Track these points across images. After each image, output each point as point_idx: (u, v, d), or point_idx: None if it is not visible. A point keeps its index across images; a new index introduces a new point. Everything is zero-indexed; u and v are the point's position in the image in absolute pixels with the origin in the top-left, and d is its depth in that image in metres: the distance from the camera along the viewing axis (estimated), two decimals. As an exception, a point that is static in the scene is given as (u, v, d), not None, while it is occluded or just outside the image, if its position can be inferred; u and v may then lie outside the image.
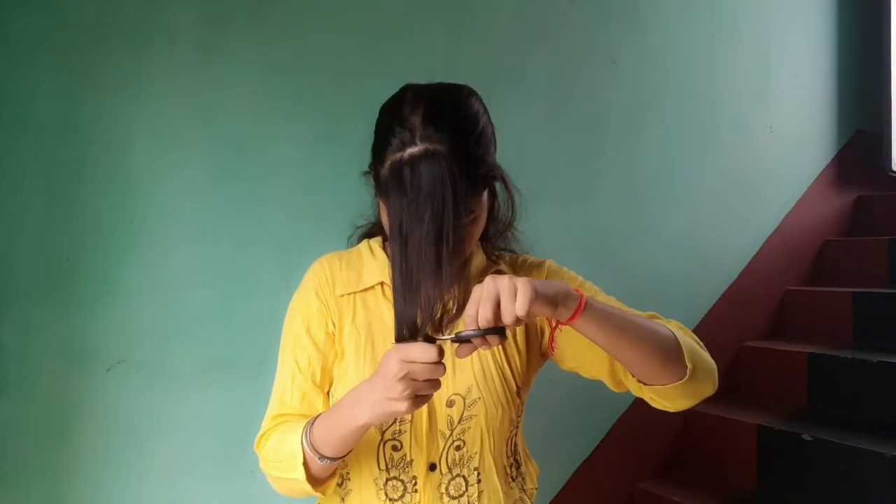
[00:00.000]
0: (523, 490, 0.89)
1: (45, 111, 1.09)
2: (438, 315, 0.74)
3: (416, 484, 0.81)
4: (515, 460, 0.89)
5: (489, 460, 0.84)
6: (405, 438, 0.81)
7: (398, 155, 0.71)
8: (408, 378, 0.66)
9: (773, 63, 2.48)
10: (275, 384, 0.88)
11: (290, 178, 1.33)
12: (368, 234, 0.93)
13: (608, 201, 1.92)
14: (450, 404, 0.82)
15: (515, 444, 0.89)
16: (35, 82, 1.08)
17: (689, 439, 2.09)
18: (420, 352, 0.65)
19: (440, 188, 0.69)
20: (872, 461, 1.65)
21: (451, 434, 0.82)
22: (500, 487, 0.85)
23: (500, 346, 0.85)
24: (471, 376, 0.83)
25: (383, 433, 0.82)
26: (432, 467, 0.82)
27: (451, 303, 0.77)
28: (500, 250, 0.90)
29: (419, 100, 0.74)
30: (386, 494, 0.81)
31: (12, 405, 1.06)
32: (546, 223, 1.74)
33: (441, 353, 0.66)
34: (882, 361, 1.90)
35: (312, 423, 0.77)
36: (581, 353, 0.86)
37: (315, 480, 0.79)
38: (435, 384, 0.68)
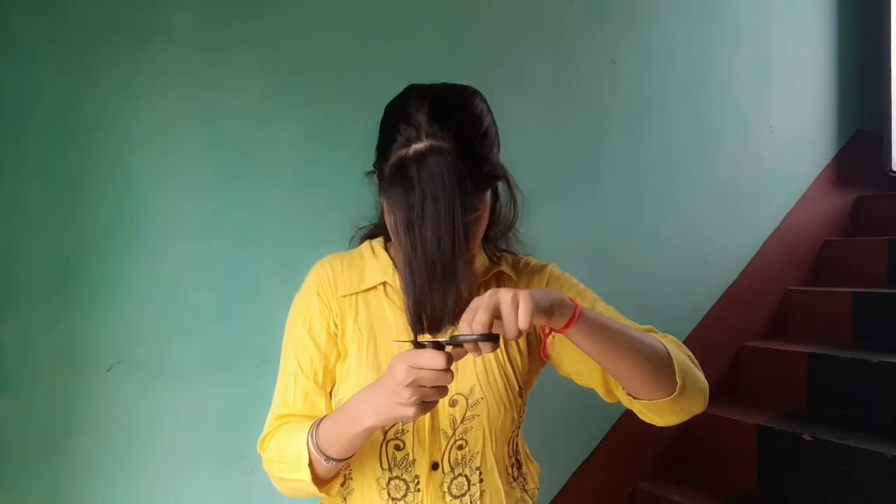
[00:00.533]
0: (525, 490, 0.90)
1: (45, 111, 1.09)
2: (453, 308, 0.74)
3: (418, 483, 0.81)
4: (517, 460, 0.89)
5: (491, 460, 0.84)
6: (408, 438, 0.82)
7: (403, 151, 0.72)
8: (415, 384, 0.66)
9: (773, 63, 2.48)
10: (277, 385, 0.88)
11: (290, 177, 1.33)
12: (370, 236, 0.93)
13: (608, 201, 1.92)
14: (452, 404, 0.83)
15: (517, 445, 0.90)
16: (35, 82, 1.08)
17: (689, 439, 2.09)
18: (428, 359, 0.65)
19: (446, 184, 0.70)
20: (872, 461, 1.65)
21: (454, 433, 0.82)
22: (501, 487, 0.85)
23: (502, 348, 0.85)
24: (473, 376, 0.83)
25: (386, 433, 0.82)
26: (434, 466, 0.82)
27: (461, 298, 0.76)
28: (502, 251, 0.91)
29: (424, 99, 0.74)
30: (388, 494, 0.81)
31: (12, 405, 1.06)
32: (546, 223, 1.74)
33: (450, 360, 0.66)
34: (882, 361, 1.90)
35: (318, 425, 0.78)
36: (576, 361, 0.86)
37: (320, 481, 0.79)
38: (442, 391, 0.69)
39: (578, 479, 1.81)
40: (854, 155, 2.84)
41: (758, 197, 2.40)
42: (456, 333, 0.69)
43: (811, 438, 1.78)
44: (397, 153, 0.72)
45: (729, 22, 2.31)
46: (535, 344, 0.90)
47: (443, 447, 0.82)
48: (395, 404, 0.67)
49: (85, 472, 1.12)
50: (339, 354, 0.86)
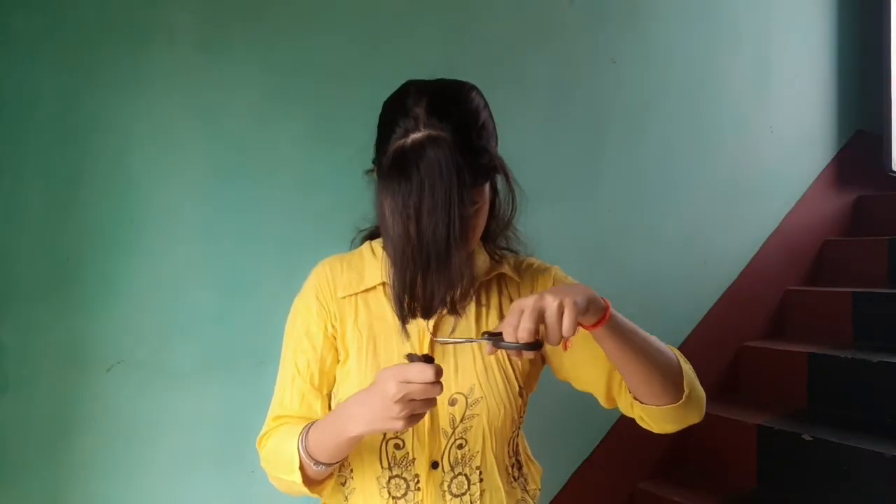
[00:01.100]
0: (525, 490, 0.90)
1: (45, 111, 1.09)
2: (443, 298, 0.74)
3: (418, 482, 0.82)
4: (517, 461, 0.89)
5: (491, 459, 0.84)
6: (407, 437, 0.82)
7: (401, 141, 0.72)
8: (405, 399, 0.67)
9: (773, 63, 2.48)
10: (276, 385, 0.89)
11: (289, 177, 1.33)
12: (371, 236, 0.93)
13: (608, 201, 1.92)
14: (452, 403, 0.83)
15: (517, 445, 0.90)
16: (35, 82, 1.08)
17: (689, 439, 2.09)
18: (418, 373, 0.66)
19: (445, 173, 0.70)
20: (872, 461, 1.65)
21: (454, 432, 0.83)
22: (502, 487, 0.85)
23: None
24: (473, 375, 0.83)
25: (385, 433, 0.82)
26: (434, 465, 0.82)
27: (457, 292, 0.76)
28: (503, 250, 0.90)
29: (422, 93, 0.74)
30: (389, 493, 0.82)
31: (12, 405, 1.06)
32: (546, 223, 1.74)
33: (438, 373, 0.67)
34: (882, 361, 1.90)
35: (308, 430, 0.79)
36: (579, 365, 0.88)
37: (311, 482, 0.81)
38: (431, 403, 0.69)
39: (578, 479, 1.81)
40: (854, 155, 2.83)
41: (758, 197, 2.40)
42: (492, 330, 0.70)
43: (811, 438, 1.78)
44: (395, 144, 0.72)
45: (729, 22, 2.31)
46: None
47: (442, 446, 0.82)
48: (385, 418, 0.68)
49: (85, 472, 1.12)
50: (338, 356, 0.86)
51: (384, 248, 0.84)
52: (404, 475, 0.82)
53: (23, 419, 1.07)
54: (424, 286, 0.73)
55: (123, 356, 1.15)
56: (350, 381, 0.84)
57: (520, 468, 0.90)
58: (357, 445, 0.79)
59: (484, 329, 0.86)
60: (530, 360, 0.89)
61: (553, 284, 0.91)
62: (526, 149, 1.71)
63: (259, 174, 1.29)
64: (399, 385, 0.66)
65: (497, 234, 0.88)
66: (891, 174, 2.88)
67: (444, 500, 0.82)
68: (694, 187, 2.17)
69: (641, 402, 0.82)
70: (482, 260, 0.88)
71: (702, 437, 2.07)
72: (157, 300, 1.18)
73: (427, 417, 0.81)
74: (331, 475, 0.84)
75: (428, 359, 0.69)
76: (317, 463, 0.77)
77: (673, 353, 0.82)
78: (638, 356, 0.77)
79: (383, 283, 0.86)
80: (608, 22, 1.94)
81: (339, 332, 0.86)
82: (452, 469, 0.83)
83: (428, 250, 0.71)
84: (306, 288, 0.90)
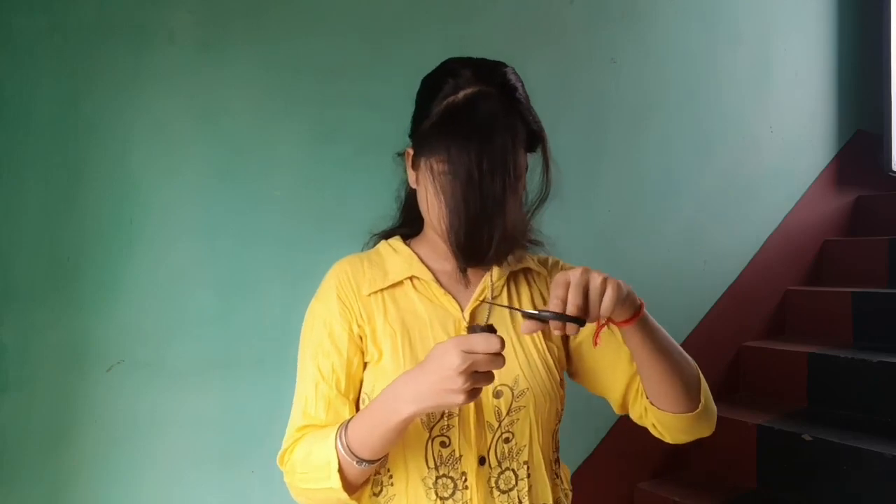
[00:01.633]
0: (562, 488, 0.88)
1: (45, 111, 1.09)
2: (498, 245, 0.75)
3: (466, 480, 0.78)
4: (557, 456, 0.88)
5: (538, 453, 0.82)
6: (453, 433, 0.78)
7: (452, 98, 0.74)
8: (470, 370, 0.63)
9: (773, 63, 2.48)
10: (296, 395, 0.84)
11: (290, 177, 1.32)
12: (386, 237, 0.91)
13: (608, 201, 1.92)
14: (497, 395, 0.80)
15: (558, 440, 0.88)
16: (35, 83, 1.08)
17: (689, 439, 2.09)
18: (483, 342, 0.64)
19: (501, 123, 0.73)
20: (872, 461, 1.65)
21: (500, 426, 0.80)
22: (548, 482, 0.83)
23: (539, 337, 0.85)
24: (516, 366, 0.81)
25: (431, 429, 0.78)
26: (482, 461, 0.79)
27: (507, 236, 0.77)
28: (530, 242, 0.90)
29: (465, 62, 0.78)
30: (436, 493, 0.77)
31: (12, 405, 1.06)
32: (546, 223, 1.74)
33: (502, 343, 0.64)
34: (882, 361, 1.90)
35: (346, 426, 0.74)
36: (600, 368, 0.88)
37: (351, 487, 0.75)
38: (490, 377, 0.66)
39: (578, 479, 1.81)
40: (854, 155, 2.84)
41: (758, 197, 2.40)
42: (542, 309, 0.68)
43: (811, 438, 1.78)
44: (445, 101, 0.74)
45: (729, 22, 2.31)
46: (565, 337, 0.90)
47: (489, 441, 0.79)
48: (445, 391, 0.65)
49: (85, 472, 1.12)
50: (364, 358, 0.82)
51: (430, 213, 0.80)
52: (451, 474, 0.78)
53: (23, 419, 1.07)
54: (483, 231, 0.73)
55: (123, 356, 1.15)
56: (388, 379, 0.76)
57: (559, 463, 0.88)
58: (399, 447, 0.77)
59: (520, 321, 0.84)
60: (564, 352, 0.89)
61: None
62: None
63: (259, 174, 1.29)
64: (464, 356, 0.63)
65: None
66: (891, 174, 2.88)
67: (493, 497, 0.79)
68: (694, 187, 2.17)
69: (658, 408, 0.82)
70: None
71: (702, 437, 2.07)
72: (157, 300, 1.18)
73: (472, 411, 0.79)
74: (368, 480, 0.79)
75: (491, 329, 0.66)
76: (360, 461, 0.72)
77: (692, 361, 0.83)
78: (663, 358, 0.77)
79: (411, 278, 0.84)
80: (608, 22, 1.94)
81: (367, 332, 0.82)
82: (500, 464, 0.79)
83: (487, 196, 0.72)
84: (325, 289, 0.85)
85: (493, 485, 0.79)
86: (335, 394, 0.80)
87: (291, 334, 0.92)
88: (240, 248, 1.27)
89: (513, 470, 0.80)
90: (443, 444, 0.78)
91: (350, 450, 0.72)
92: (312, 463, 0.75)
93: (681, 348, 0.80)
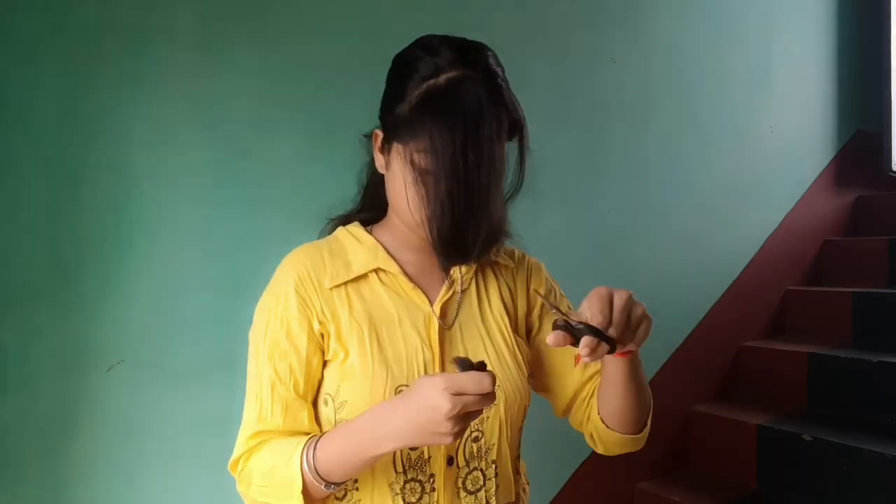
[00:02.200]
0: (521, 484, 0.87)
1: (45, 111, 1.09)
2: (483, 239, 0.71)
3: (433, 482, 0.75)
4: (519, 453, 0.87)
5: (505, 451, 0.80)
6: None
7: (434, 81, 0.68)
8: (460, 414, 0.60)
9: (774, 63, 2.48)
10: (248, 397, 0.78)
11: (289, 178, 1.32)
12: (345, 222, 0.87)
13: (608, 201, 1.92)
14: None
15: (521, 436, 0.87)
16: (35, 82, 1.08)
17: (689, 439, 2.09)
18: (472, 383, 0.60)
19: (484, 111, 0.67)
20: (872, 461, 1.65)
21: (470, 425, 0.76)
22: (512, 479, 0.82)
23: (509, 333, 0.83)
24: (487, 363, 0.80)
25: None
26: (450, 461, 0.76)
27: (492, 229, 0.74)
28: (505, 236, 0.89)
29: (444, 39, 0.72)
30: (403, 499, 0.74)
31: (13, 405, 1.06)
32: (546, 223, 1.74)
33: (494, 379, 0.61)
34: (882, 361, 1.90)
35: (314, 446, 0.70)
36: (550, 371, 0.88)
37: None
38: (479, 413, 0.64)
39: (578, 479, 1.81)
40: (854, 155, 2.84)
41: (758, 197, 2.40)
42: (567, 317, 0.62)
43: (811, 438, 1.78)
44: (425, 84, 0.68)
45: (729, 22, 2.31)
46: (531, 332, 0.89)
47: (458, 440, 0.75)
48: (432, 434, 0.62)
49: (85, 472, 1.12)
50: (324, 357, 0.77)
51: (403, 203, 0.74)
52: (419, 477, 0.75)
53: (23, 419, 1.07)
54: (469, 228, 0.69)
55: (123, 356, 1.15)
56: (354, 380, 0.74)
57: (519, 458, 0.87)
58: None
59: (488, 313, 0.83)
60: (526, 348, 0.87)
61: (545, 283, 0.90)
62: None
63: (259, 174, 1.29)
64: (454, 399, 0.59)
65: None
66: (891, 174, 2.88)
67: (459, 498, 0.76)
68: (694, 187, 2.17)
69: (607, 427, 0.83)
70: None
71: (702, 437, 2.07)
72: (157, 300, 1.18)
73: None
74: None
75: (482, 365, 0.62)
76: (329, 484, 0.69)
77: (648, 390, 0.82)
78: (636, 392, 0.77)
79: (376, 270, 0.79)
80: (608, 22, 1.94)
81: (331, 330, 0.76)
82: (468, 464, 0.77)
83: (472, 190, 0.68)
84: (279, 281, 0.79)
85: (461, 485, 0.77)
86: (293, 397, 0.75)
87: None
88: (240, 248, 1.27)
89: (481, 470, 0.78)
90: (411, 447, 0.74)
91: (317, 472, 0.69)
92: (273, 479, 0.72)
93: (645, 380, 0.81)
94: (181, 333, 1.21)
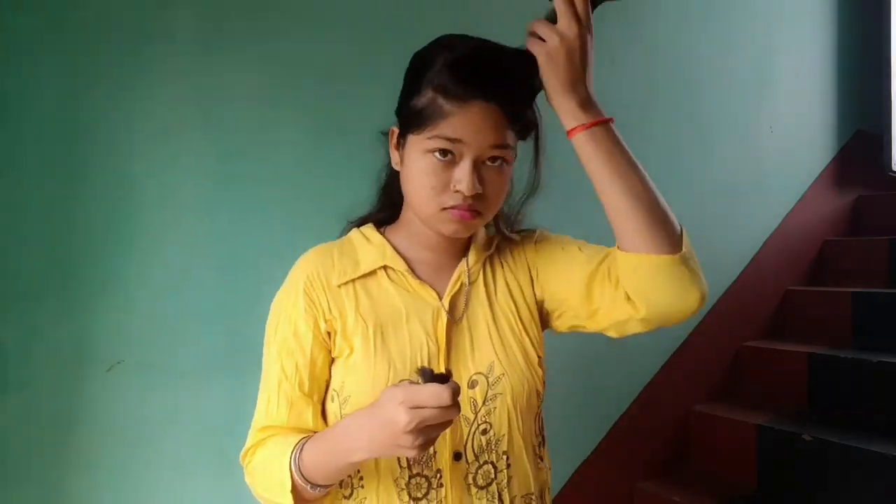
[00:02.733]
0: (546, 470, 0.86)
1: (45, 112, 1.09)
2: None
3: (440, 477, 0.75)
4: (543, 437, 0.85)
5: (518, 441, 0.79)
6: None
7: (452, 57, 0.71)
8: (418, 427, 0.59)
9: (774, 63, 2.48)
10: (260, 392, 0.81)
11: (290, 177, 1.32)
12: (360, 224, 0.89)
13: (608, 201, 1.91)
14: (472, 385, 0.77)
15: (542, 420, 0.85)
16: (35, 83, 1.08)
17: (689, 439, 2.09)
18: (431, 397, 0.59)
19: (505, 86, 0.71)
20: (872, 461, 1.65)
21: (476, 417, 0.76)
22: (529, 470, 0.80)
23: (516, 319, 0.83)
24: (491, 352, 0.79)
25: None
26: (457, 457, 0.75)
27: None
28: (519, 233, 0.89)
29: (464, 36, 0.76)
30: (409, 495, 0.74)
31: (12, 405, 1.06)
32: (546, 223, 1.74)
33: (456, 393, 0.60)
34: (882, 361, 1.90)
35: (302, 448, 0.72)
36: (563, 284, 0.83)
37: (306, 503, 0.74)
38: (447, 425, 0.62)
39: (578, 479, 1.81)
40: (854, 155, 2.84)
41: (758, 197, 2.40)
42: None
43: (811, 438, 1.78)
44: (445, 62, 0.71)
45: (729, 22, 2.31)
46: (543, 312, 0.88)
47: (465, 434, 0.76)
48: (394, 446, 0.62)
49: (85, 472, 1.12)
50: (330, 356, 0.79)
51: (412, 198, 0.78)
52: (425, 472, 0.74)
53: (23, 419, 1.07)
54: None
55: (123, 356, 1.15)
56: (358, 375, 0.76)
57: (544, 444, 0.85)
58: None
59: (496, 303, 0.83)
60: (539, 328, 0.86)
61: (536, 241, 0.90)
62: (526, 148, 1.70)
63: (260, 174, 1.29)
64: (410, 412, 0.59)
65: (507, 218, 0.87)
66: (891, 174, 2.88)
67: (470, 494, 0.75)
68: (694, 187, 2.17)
69: (626, 252, 0.74)
70: (482, 235, 0.87)
71: (702, 437, 2.07)
72: (157, 300, 1.18)
73: None
74: (328, 493, 0.76)
75: (443, 378, 0.61)
76: (313, 486, 0.71)
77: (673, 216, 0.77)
78: (630, 179, 0.74)
79: (384, 267, 0.81)
80: (608, 21, 1.93)
81: (337, 327, 0.77)
82: (477, 458, 0.76)
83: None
84: (291, 282, 0.82)
85: (471, 481, 0.76)
86: (298, 394, 0.77)
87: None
88: (240, 248, 1.27)
89: (492, 462, 0.77)
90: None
91: (303, 474, 0.70)
92: (269, 476, 0.74)
93: (657, 192, 0.77)
94: (181, 333, 1.21)
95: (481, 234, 0.87)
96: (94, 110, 1.13)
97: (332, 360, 0.80)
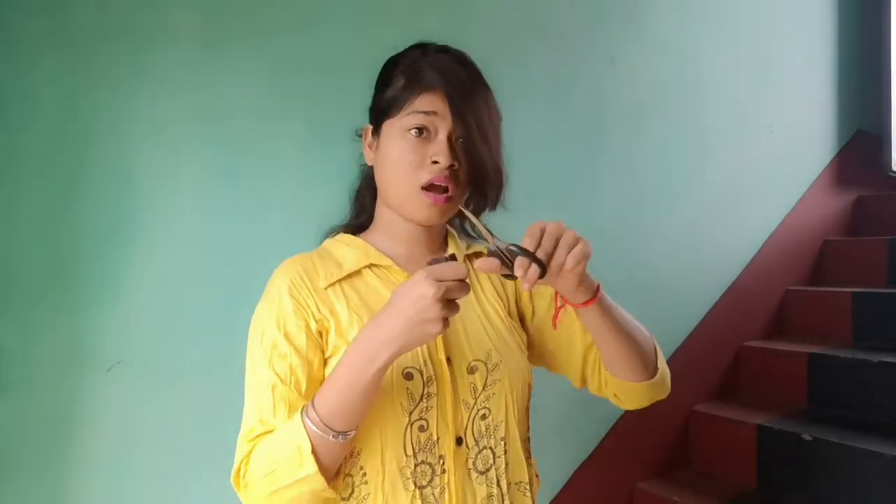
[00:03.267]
0: (534, 471, 0.87)
1: (45, 111, 1.09)
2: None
3: (443, 463, 0.76)
4: (528, 436, 0.87)
5: (514, 430, 0.81)
6: (431, 415, 0.76)
7: (423, 51, 0.79)
8: (445, 297, 0.64)
9: (774, 63, 2.48)
10: (246, 407, 0.78)
11: (290, 177, 1.32)
12: (334, 233, 0.91)
13: (608, 201, 1.92)
14: (471, 371, 0.79)
15: (529, 418, 0.88)
16: (35, 83, 1.08)
17: (689, 439, 2.09)
18: (451, 269, 0.64)
19: (479, 84, 0.79)
20: (872, 461, 1.65)
21: (476, 402, 0.79)
22: (523, 460, 0.82)
23: (505, 314, 0.86)
24: (487, 341, 0.82)
25: (410, 414, 0.75)
26: (458, 441, 0.77)
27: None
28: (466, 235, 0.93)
29: (430, 43, 0.83)
30: (414, 483, 0.75)
31: (12, 405, 1.06)
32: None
33: (467, 269, 0.66)
34: (882, 361, 1.90)
35: (312, 404, 0.70)
36: (556, 348, 0.90)
37: (328, 472, 0.70)
38: (457, 306, 0.66)
39: (578, 479, 1.81)
40: (854, 155, 2.84)
41: (758, 197, 2.40)
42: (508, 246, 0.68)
43: (811, 438, 1.79)
44: (413, 57, 0.79)
45: (729, 22, 2.31)
46: (525, 319, 0.92)
47: (465, 419, 0.78)
48: (422, 322, 0.64)
49: (85, 472, 1.12)
50: (324, 356, 0.78)
51: (389, 185, 0.81)
52: (429, 459, 0.76)
53: (23, 419, 1.07)
54: (492, 164, 0.79)
55: (123, 356, 1.15)
56: None
57: (530, 442, 0.87)
58: (376, 438, 0.74)
59: (482, 297, 0.86)
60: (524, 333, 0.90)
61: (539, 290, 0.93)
62: (526, 149, 1.71)
63: (259, 173, 1.29)
64: (437, 283, 0.63)
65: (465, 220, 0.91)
66: (891, 174, 2.88)
67: (471, 479, 0.77)
68: (694, 187, 2.17)
69: (617, 379, 0.84)
70: (440, 229, 0.89)
71: (702, 437, 2.07)
72: (157, 300, 1.18)
73: (448, 390, 0.77)
74: (340, 471, 0.75)
75: (453, 257, 0.67)
76: (335, 434, 0.68)
77: (647, 332, 0.85)
78: (621, 335, 0.79)
79: (369, 266, 0.82)
80: (608, 22, 1.94)
81: (330, 325, 0.77)
82: (477, 443, 0.78)
83: (484, 130, 0.77)
84: (273, 289, 0.80)
85: (471, 466, 0.77)
86: (296, 396, 0.74)
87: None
88: (240, 247, 1.27)
89: (490, 448, 0.79)
90: (421, 429, 0.75)
91: (323, 423, 0.68)
92: (279, 459, 0.70)
93: (636, 322, 0.83)
94: (181, 333, 1.21)
95: (452, 231, 0.91)
96: (94, 110, 1.13)
97: (327, 361, 0.79)
